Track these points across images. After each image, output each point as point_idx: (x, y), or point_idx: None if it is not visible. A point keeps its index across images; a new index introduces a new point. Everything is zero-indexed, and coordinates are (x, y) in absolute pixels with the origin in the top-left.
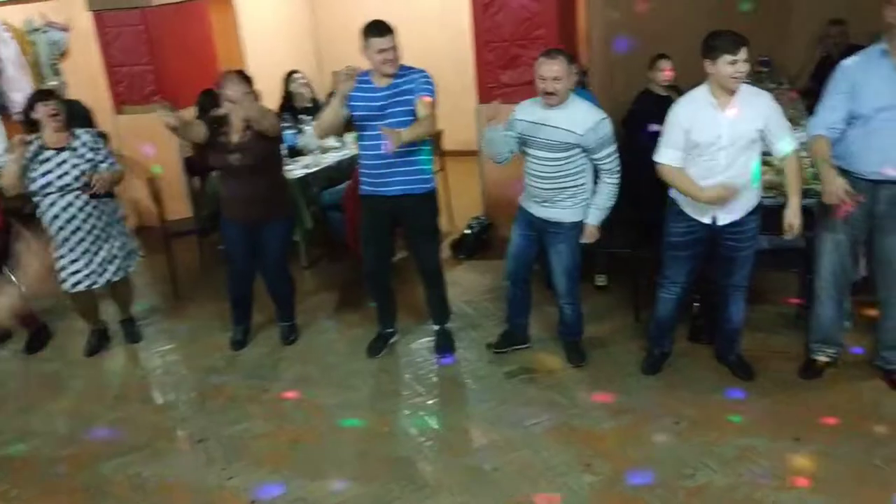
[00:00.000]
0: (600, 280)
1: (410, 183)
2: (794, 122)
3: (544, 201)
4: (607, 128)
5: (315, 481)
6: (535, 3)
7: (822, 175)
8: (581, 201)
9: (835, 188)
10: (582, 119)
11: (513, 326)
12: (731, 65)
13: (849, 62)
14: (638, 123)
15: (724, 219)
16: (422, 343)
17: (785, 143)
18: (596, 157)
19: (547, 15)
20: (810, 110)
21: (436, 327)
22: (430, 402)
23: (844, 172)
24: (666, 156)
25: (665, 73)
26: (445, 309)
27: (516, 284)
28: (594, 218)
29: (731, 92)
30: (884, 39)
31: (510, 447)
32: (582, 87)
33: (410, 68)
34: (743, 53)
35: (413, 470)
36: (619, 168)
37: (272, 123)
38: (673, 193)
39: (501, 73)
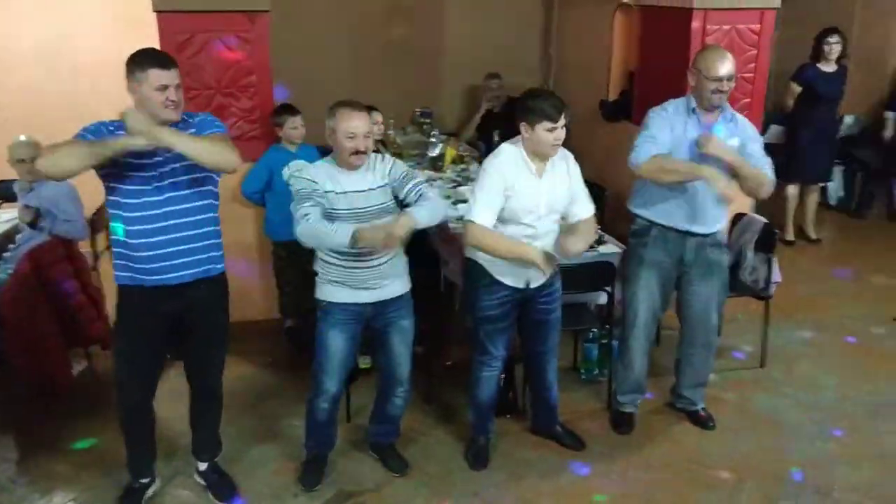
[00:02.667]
0: (364, 362)
1: (203, 263)
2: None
3: (376, 280)
4: (396, 161)
5: None
6: (245, 45)
7: (696, 170)
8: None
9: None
10: (374, 166)
11: (321, 451)
12: (551, 132)
13: (660, 114)
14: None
15: (536, 281)
16: (189, 489)
17: (584, 205)
18: (406, 190)
19: (259, 58)
20: (479, 161)
21: (203, 465)
22: None
23: (652, 223)
24: (482, 216)
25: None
26: (218, 437)
27: (336, 399)
28: (416, 214)
29: (546, 158)
30: (692, 97)
31: None
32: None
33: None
34: (563, 119)
35: None
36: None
37: None
38: (482, 262)
39: None
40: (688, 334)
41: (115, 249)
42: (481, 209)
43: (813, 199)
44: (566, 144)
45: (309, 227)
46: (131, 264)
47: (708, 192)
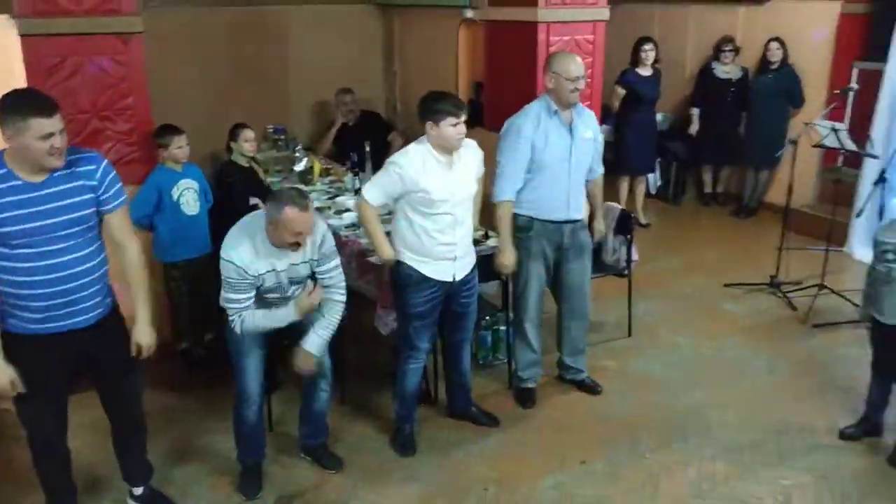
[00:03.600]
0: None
1: (103, 305)
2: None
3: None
4: (332, 238)
5: None
6: (120, 68)
7: (503, 244)
8: None
9: (510, 262)
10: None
11: (255, 459)
12: (455, 126)
13: (522, 124)
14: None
15: (461, 273)
16: None
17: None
18: (322, 268)
19: (135, 80)
20: (352, 171)
21: (138, 490)
22: None
23: (532, 219)
24: (373, 195)
25: (250, 143)
26: (148, 461)
27: (261, 406)
28: (314, 346)
29: (453, 150)
30: (550, 100)
31: None
32: None
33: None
34: (464, 115)
35: None
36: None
37: None
38: (410, 263)
39: None
40: (566, 308)
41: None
42: (374, 190)
43: (640, 189)
44: None
45: (249, 326)
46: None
47: (577, 183)
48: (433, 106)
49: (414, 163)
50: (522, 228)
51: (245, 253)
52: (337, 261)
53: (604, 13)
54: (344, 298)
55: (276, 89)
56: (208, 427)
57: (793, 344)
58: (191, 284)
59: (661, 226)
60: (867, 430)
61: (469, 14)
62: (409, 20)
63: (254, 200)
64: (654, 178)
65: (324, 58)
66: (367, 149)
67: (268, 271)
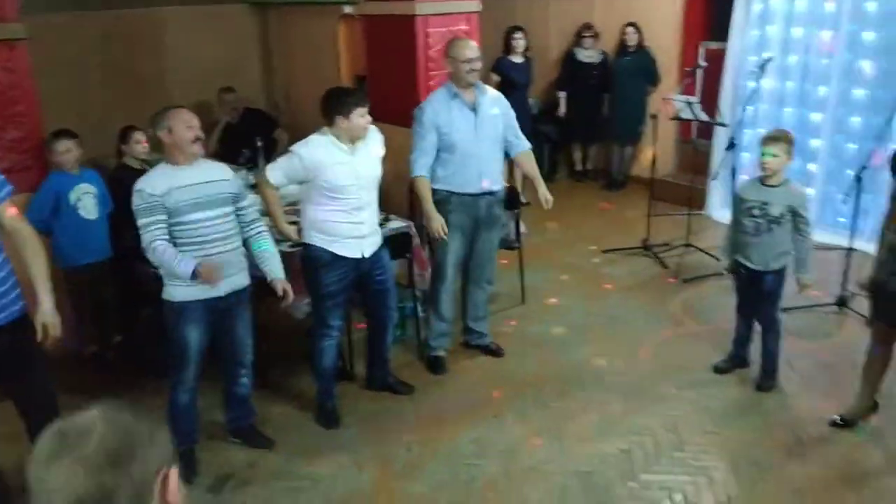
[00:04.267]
0: None
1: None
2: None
3: (229, 270)
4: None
5: None
6: (9, 74)
7: (427, 212)
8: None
9: (437, 224)
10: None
11: (189, 445)
12: (363, 116)
13: (426, 110)
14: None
15: (368, 250)
16: None
17: None
18: (241, 204)
19: (23, 87)
20: (250, 168)
21: None
22: None
23: (451, 192)
24: (275, 176)
25: (142, 144)
26: None
27: (195, 389)
28: (278, 270)
29: (358, 139)
30: (451, 84)
31: None
32: None
33: None
34: (368, 105)
35: None
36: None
37: None
38: (320, 244)
39: None
40: (474, 275)
41: None
42: (274, 169)
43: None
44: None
45: (158, 256)
46: None
47: (489, 157)
48: (342, 100)
49: (316, 152)
50: (442, 203)
51: (154, 180)
52: (252, 199)
53: (476, 5)
54: (266, 228)
55: (157, 92)
56: None
57: (667, 297)
58: (92, 288)
59: (539, 203)
60: (736, 363)
61: (348, 10)
62: (285, 18)
63: None
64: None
65: (202, 58)
66: (260, 144)
67: (179, 187)
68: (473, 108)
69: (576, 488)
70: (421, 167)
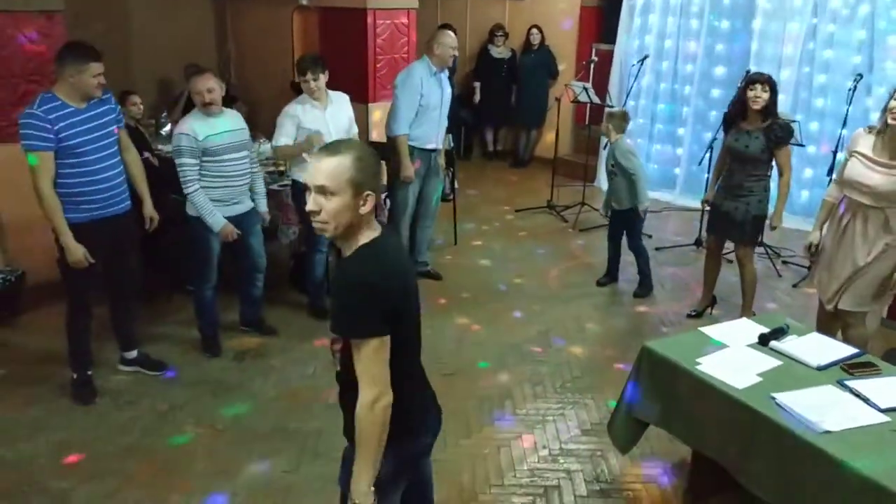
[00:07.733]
0: None
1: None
2: None
3: (241, 197)
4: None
5: None
6: (46, 39)
7: (405, 164)
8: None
9: (411, 172)
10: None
11: (214, 329)
12: (316, 81)
13: (415, 76)
14: None
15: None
16: None
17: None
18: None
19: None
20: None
21: (131, 355)
22: None
23: (413, 147)
24: (283, 141)
25: (137, 106)
26: (135, 332)
27: (216, 286)
28: (264, 205)
29: (320, 101)
30: (430, 63)
31: None
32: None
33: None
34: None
35: None
36: None
37: None
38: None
39: (13, 110)
40: (423, 213)
41: None
42: (280, 137)
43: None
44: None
45: (195, 198)
46: None
47: (443, 124)
48: (300, 66)
49: (299, 110)
50: (409, 155)
51: (191, 121)
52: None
53: (414, 2)
54: (259, 171)
55: (121, 68)
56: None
57: (567, 241)
58: None
59: (459, 176)
60: (610, 279)
61: (304, 2)
62: (241, 7)
63: (145, 154)
64: (448, 140)
65: (162, 38)
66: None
67: (209, 135)
68: (441, 86)
69: (508, 353)
70: (404, 126)
